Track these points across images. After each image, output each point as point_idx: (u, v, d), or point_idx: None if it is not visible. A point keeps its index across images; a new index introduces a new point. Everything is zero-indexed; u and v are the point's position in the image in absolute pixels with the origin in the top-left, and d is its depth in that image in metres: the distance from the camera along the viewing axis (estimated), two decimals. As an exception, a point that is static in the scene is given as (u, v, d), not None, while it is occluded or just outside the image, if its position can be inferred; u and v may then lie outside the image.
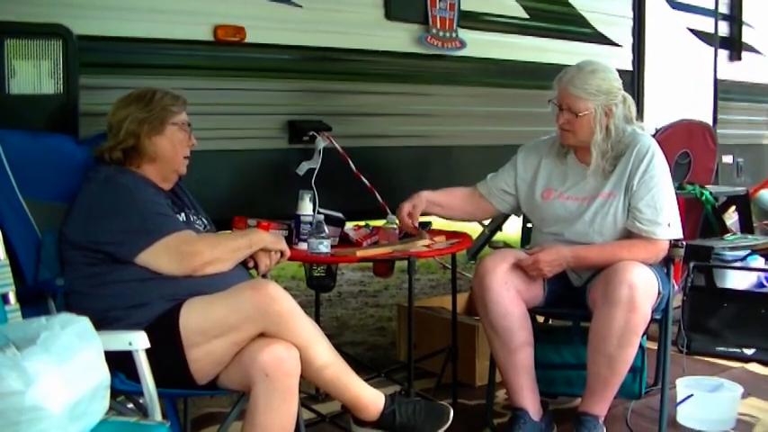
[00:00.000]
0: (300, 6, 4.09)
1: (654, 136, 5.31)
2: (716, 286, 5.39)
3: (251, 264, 3.07)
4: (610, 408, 3.44)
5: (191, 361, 2.66)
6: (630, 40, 5.70)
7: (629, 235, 3.48)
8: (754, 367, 4.59)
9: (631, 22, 5.71)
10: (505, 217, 5.69)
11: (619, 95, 3.50)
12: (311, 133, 4.06)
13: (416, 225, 3.66)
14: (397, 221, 3.72)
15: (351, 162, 4.09)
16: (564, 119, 3.49)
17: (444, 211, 3.82)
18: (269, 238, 3.08)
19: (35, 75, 3.39)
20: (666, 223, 3.44)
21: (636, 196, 3.44)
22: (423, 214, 3.71)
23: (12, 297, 2.69)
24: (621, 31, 5.64)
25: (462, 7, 4.68)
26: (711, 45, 6.48)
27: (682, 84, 6.21)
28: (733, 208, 6.16)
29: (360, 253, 3.48)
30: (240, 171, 4.00)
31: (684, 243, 3.72)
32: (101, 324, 2.49)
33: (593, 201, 3.51)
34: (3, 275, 2.70)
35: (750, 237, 5.62)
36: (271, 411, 2.60)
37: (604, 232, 3.49)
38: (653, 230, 3.43)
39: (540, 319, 3.95)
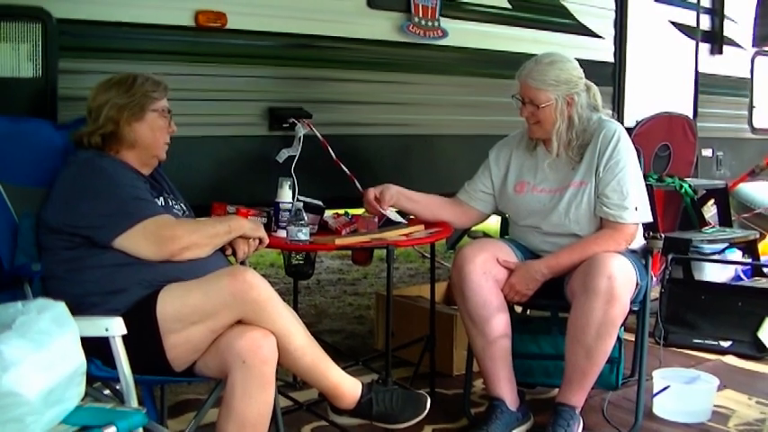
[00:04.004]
0: (282, -7, 4.08)
1: (634, 128, 5.38)
2: (694, 279, 5.42)
3: (229, 251, 3.05)
4: (587, 398, 3.47)
5: (168, 348, 2.65)
6: (612, 32, 5.69)
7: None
8: (731, 360, 4.61)
9: (614, 14, 5.70)
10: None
11: (580, 84, 3.52)
12: (291, 120, 4.04)
13: (384, 209, 3.65)
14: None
15: (331, 150, 4.07)
16: (527, 111, 3.53)
17: (419, 208, 3.76)
18: (248, 225, 3.06)
19: (14, 58, 3.36)
20: (633, 207, 3.46)
21: (603, 182, 3.46)
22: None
23: (-13, 282, 2.67)
24: (604, 23, 5.63)
25: (445, -4, 4.67)
26: (693, 38, 6.48)
27: (663, 76, 6.22)
28: (712, 201, 6.20)
29: (339, 241, 3.47)
30: (220, 157, 3.97)
31: (663, 235, 3.74)
32: (78, 309, 2.48)
33: (566, 191, 3.53)
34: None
35: (728, 230, 5.67)
36: (248, 398, 2.59)
37: (581, 221, 3.51)
38: (620, 215, 3.44)
39: (518, 308, 3.95)
